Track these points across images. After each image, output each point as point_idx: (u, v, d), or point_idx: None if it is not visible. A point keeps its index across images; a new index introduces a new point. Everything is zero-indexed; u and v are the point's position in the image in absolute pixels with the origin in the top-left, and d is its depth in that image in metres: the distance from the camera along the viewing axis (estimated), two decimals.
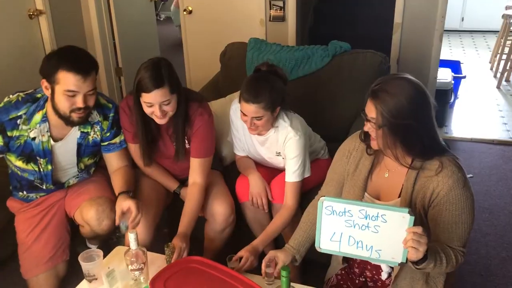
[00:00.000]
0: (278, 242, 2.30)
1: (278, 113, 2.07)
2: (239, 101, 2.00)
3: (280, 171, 2.23)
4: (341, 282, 1.76)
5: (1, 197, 2.23)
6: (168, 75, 1.87)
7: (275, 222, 2.03)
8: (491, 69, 5.58)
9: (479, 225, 2.70)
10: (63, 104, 1.84)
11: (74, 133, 2.01)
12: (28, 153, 1.97)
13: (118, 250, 1.89)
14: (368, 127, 1.50)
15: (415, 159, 1.50)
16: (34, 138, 1.95)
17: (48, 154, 1.99)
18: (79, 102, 1.83)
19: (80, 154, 2.07)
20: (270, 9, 3.59)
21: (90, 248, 2.24)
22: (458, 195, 1.45)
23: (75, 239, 2.42)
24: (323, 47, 2.72)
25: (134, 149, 2.13)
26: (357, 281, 1.74)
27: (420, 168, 1.50)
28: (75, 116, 1.87)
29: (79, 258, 1.68)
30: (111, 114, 2.06)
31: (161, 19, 8.11)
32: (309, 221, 1.79)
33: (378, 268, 1.67)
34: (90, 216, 2.07)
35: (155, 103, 1.87)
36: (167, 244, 1.81)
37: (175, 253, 1.80)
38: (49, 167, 2.03)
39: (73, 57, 1.83)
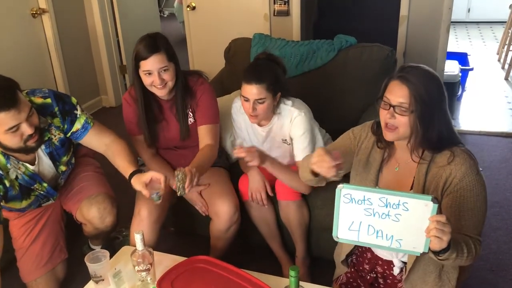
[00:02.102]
0: (284, 241, 2.29)
1: (279, 100, 2.06)
2: (241, 87, 1.99)
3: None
4: (351, 280, 1.74)
5: None
6: (165, 44, 1.93)
7: (292, 172, 1.97)
8: (499, 60, 5.51)
9: (489, 220, 2.66)
10: (13, 142, 1.72)
11: (40, 149, 1.92)
12: (25, 190, 1.93)
13: (125, 250, 1.88)
14: (391, 114, 1.43)
15: (425, 151, 1.48)
16: (16, 177, 1.88)
17: (36, 177, 1.94)
18: (26, 130, 1.70)
19: (56, 159, 1.99)
20: (274, 3, 3.56)
21: (94, 249, 2.23)
22: (472, 181, 1.43)
23: (80, 240, 2.43)
24: (328, 42, 2.69)
25: (140, 140, 2.14)
26: (368, 277, 1.71)
27: (430, 160, 1.48)
28: (31, 143, 1.76)
29: (86, 259, 1.67)
30: (56, 108, 1.90)
31: (165, 15, 8.09)
32: None
33: (389, 264, 1.65)
34: (92, 215, 2.06)
35: (154, 70, 1.89)
36: (179, 169, 1.75)
37: (188, 178, 1.75)
38: (45, 185, 1.98)
39: None
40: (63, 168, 2.05)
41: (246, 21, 3.63)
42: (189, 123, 2.12)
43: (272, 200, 2.17)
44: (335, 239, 1.44)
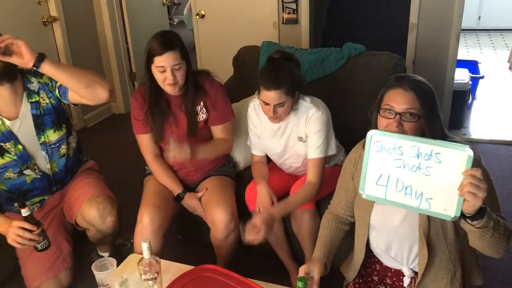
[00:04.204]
0: (292, 250, 2.27)
1: (297, 97, 2.07)
2: (258, 91, 2.00)
3: (298, 177, 2.20)
4: None
5: None
6: (179, 42, 1.98)
7: (298, 193, 2.02)
8: (510, 68, 5.46)
9: None
10: None
11: (26, 108, 1.97)
12: None
13: (131, 258, 1.87)
14: (398, 122, 1.40)
15: None
16: None
17: (10, 135, 1.95)
18: None
19: (41, 127, 2.01)
20: (283, 11, 3.57)
21: (103, 256, 2.23)
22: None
23: (88, 248, 2.43)
24: (337, 50, 2.68)
25: (144, 140, 2.16)
26: None
27: None
28: None
29: (93, 267, 1.67)
30: None
31: (174, 23, 8.14)
32: (330, 227, 1.74)
33: (398, 275, 1.62)
34: (92, 216, 2.06)
35: (168, 66, 1.93)
36: (172, 136, 1.93)
37: (174, 144, 1.90)
38: (20, 147, 1.98)
39: None
40: (45, 139, 2.04)
41: (255, 29, 3.64)
42: (200, 119, 2.14)
43: None
44: (361, 196, 1.37)
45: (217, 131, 2.19)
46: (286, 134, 2.13)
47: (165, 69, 1.94)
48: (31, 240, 1.78)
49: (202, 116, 2.15)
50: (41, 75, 1.98)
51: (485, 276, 2.28)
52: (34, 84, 2.00)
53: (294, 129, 2.10)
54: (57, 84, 2.02)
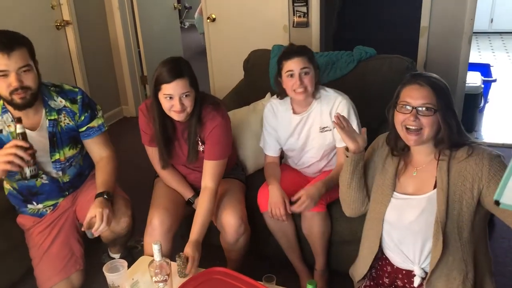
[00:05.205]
0: (303, 253, 2.27)
1: (318, 87, 2.10)
2: (280, 72, 2.06)
3: (310, 180, 2.20)
4: None
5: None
6: (188, 69, 1.91)
7: (336, 170, 2.04)
8: None
9: None
10: (1, 88, 1.80)
11: (44, 124, 1.97)
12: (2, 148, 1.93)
13: (142, 260, 1.88)
14: (414, 116, 1.47)
15: (442, 150, 1.52)
16: (1, 131, 1.92)
17: None
18: (12, 81, 1.77)
19: (57, 144, 2.02)
20: (294, 15, 3.57)
21: (114, 258, 2.25)
22: (501, 162, 1.43)
23: (99, 249, 2.45)
24: (348, 53, 2.68)
25: (151, 152, 2.14)
26: None
27: (450, 157, 1.50)
28: (16, 98, 1.81)
29: (104, 269, 1.68)
30: (79, 97, 2.03)
31: (185, 26, 8.20)
32: None
33: (410, 276, 1.62)
34: None
35: (175, 95, 1.86)
36: (179, 254, 1.78)
37: (189, 264, 1.78)
38: None
39: None
40: (60, 156, 2.05)
41: (265, 33, 3.65)
42: (200, 149, 2.10)
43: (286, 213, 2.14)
44: (495, 203, 1.18)
45: (206, 165, 2.07)
46: (307, 127, 2.14)
47: (172, 97, 1.87)
48: (22, 160, 1.74)
49: (201, 147, 2.10)
50: (71, 100, 2.02)
51: (499, 281, 2.26)
52: (57, 103, 2.00)
53: (316, 119, 2.11)
54: (88, 125, 2.06)
